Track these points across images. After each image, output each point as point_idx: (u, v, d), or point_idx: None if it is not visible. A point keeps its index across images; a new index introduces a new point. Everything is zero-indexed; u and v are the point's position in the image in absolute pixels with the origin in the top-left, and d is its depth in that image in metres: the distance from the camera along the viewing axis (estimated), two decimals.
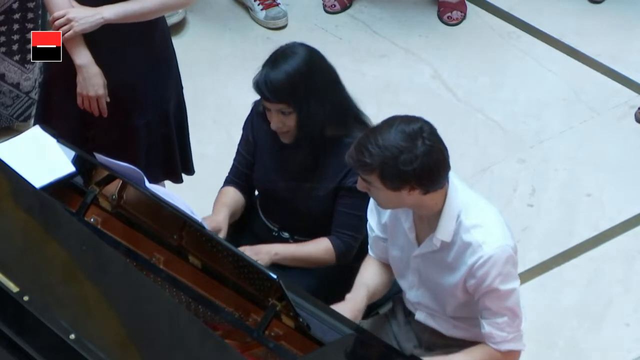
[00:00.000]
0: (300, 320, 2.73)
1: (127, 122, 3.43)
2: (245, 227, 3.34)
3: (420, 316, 2.99)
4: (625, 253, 4.18)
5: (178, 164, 3.59)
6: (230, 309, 2.89)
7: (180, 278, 2.96)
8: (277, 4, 5.00)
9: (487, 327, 2.83)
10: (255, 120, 3.23)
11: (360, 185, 2.79)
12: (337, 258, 3.13)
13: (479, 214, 2.82)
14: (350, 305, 2.91)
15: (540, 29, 5.06)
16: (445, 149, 2.75)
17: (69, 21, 3.24)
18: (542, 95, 4.80)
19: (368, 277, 3.00)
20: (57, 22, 3.26)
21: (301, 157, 3.10)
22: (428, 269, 2.89)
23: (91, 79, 3.29)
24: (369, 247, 3.07)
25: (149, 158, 3.49)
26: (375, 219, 2.99)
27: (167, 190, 3.16)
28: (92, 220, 3.09)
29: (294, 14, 5.07)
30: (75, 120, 3.45)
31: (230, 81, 4.76)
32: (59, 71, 3.42)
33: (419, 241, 2.87)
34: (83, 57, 3.30)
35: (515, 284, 2.83)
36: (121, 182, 3.05)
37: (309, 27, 5.04)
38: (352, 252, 3.15)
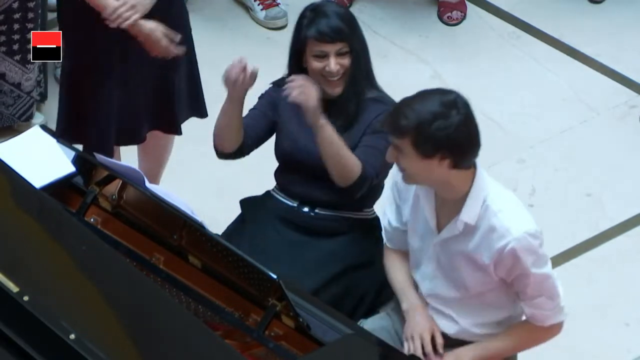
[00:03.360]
0: (300, 320, 2.73)
1: (164, 80, 3.60)
2: (259, 213, 3.35)
3: None
4: (625, 253, 4.18)
5: (203, 98, 3.80)
6: (230, 309, 2.89)
7: (180, 278, 2.97)
8: (277, 4, 5.00)
9: (527, 310, 2.85)
10: (279, 98, 3.30)
11: (391, 155, 2.79)
12: (360, 177, 3.14)
13: (504, 199, 2.84)
14: (420, 318, 2.93)
15: (540, 29, 5.07)
16: (477, 125, 2.77)
17: (132, 7, 3.34)
18: (542, 95, 4.80)
19: (403, 277, 3.01)
20: (120, 11, 3.30)
21: (348, 110, 3.20)
22: (448, 255, 2.87)
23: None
24: (386, 240, 3.07)
25: (181, 103, 3.69)
26: (393, 211, 2.99)
27: (167, 191, 3.16)
28: (92, 220, 3.09)
29: (294, 14, 5.07)
30: (117, 96, 3.55)
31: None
32: (89, 60, 3.49)
33: (440, 228, 2.86)
34: (151, 24, 3.39)
35: (547, 267, 2.84)
36: (121, 182, 3.06)
37: None
38: (366, 184, 3.16)
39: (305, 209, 3.27)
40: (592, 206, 4.35)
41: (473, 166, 2.82)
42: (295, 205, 3.28)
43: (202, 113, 3.81)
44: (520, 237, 2.77)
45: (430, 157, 2.72)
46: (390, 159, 2.82)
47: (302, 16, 3.22)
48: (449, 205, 2.85)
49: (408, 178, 2.82)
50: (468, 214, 2.80)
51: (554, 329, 2.92)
